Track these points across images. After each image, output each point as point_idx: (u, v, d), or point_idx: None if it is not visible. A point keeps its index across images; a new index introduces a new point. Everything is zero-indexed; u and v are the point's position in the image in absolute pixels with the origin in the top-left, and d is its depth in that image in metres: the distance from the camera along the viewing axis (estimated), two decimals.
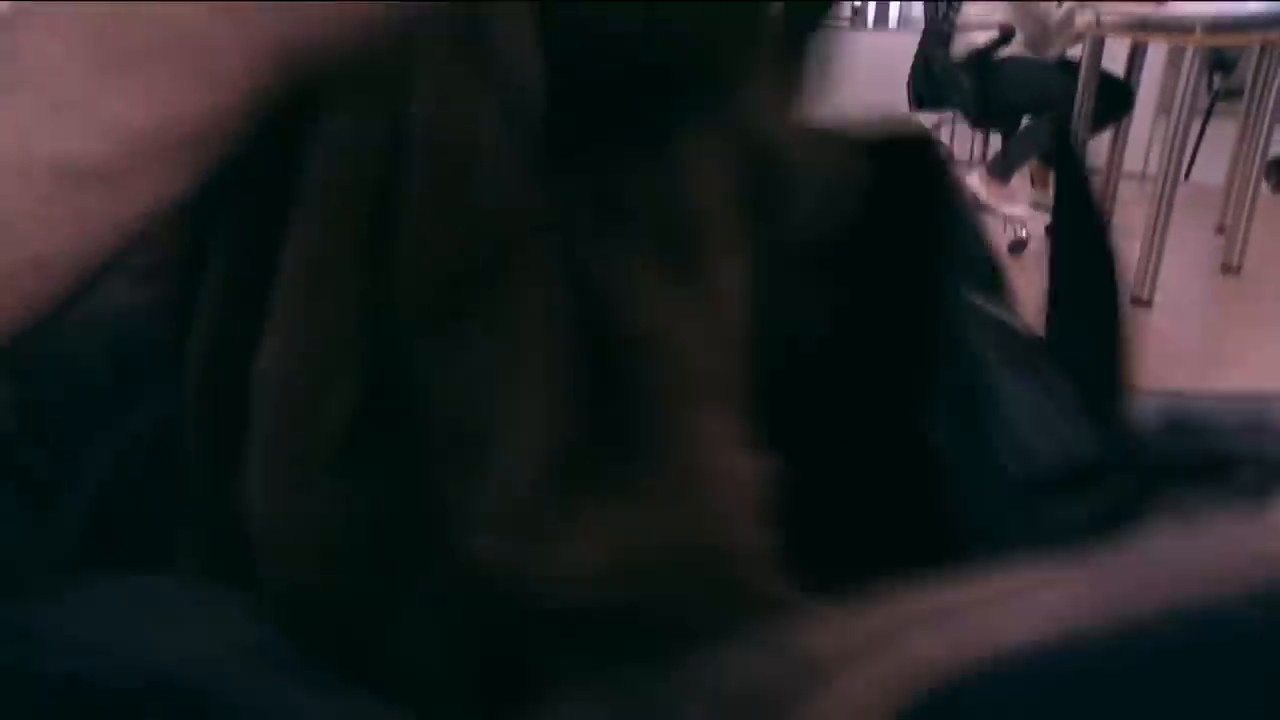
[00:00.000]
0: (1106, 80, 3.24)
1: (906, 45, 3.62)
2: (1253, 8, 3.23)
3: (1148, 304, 2.99)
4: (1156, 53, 3.87)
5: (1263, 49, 3.26)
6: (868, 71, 4.47)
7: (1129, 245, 3.50)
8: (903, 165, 0.33)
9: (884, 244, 0.32)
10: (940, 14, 3.53)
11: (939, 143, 0.34)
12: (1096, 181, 3.58)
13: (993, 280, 0.36)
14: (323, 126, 0.26)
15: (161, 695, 0.22)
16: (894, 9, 6.14)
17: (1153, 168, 3.78)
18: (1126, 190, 3.78)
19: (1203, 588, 0.21)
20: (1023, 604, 0.23)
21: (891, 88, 3.53)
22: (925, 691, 0.20)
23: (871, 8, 7.60)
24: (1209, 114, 4.10)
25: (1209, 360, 2.79)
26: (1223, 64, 4.31)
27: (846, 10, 7.51)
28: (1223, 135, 3.74)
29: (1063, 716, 0.20)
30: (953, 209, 0.33)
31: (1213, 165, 3.80)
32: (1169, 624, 0.20)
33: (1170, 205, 2.89)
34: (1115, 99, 3.33)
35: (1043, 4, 3.16)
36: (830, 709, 0.21)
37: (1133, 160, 3.83)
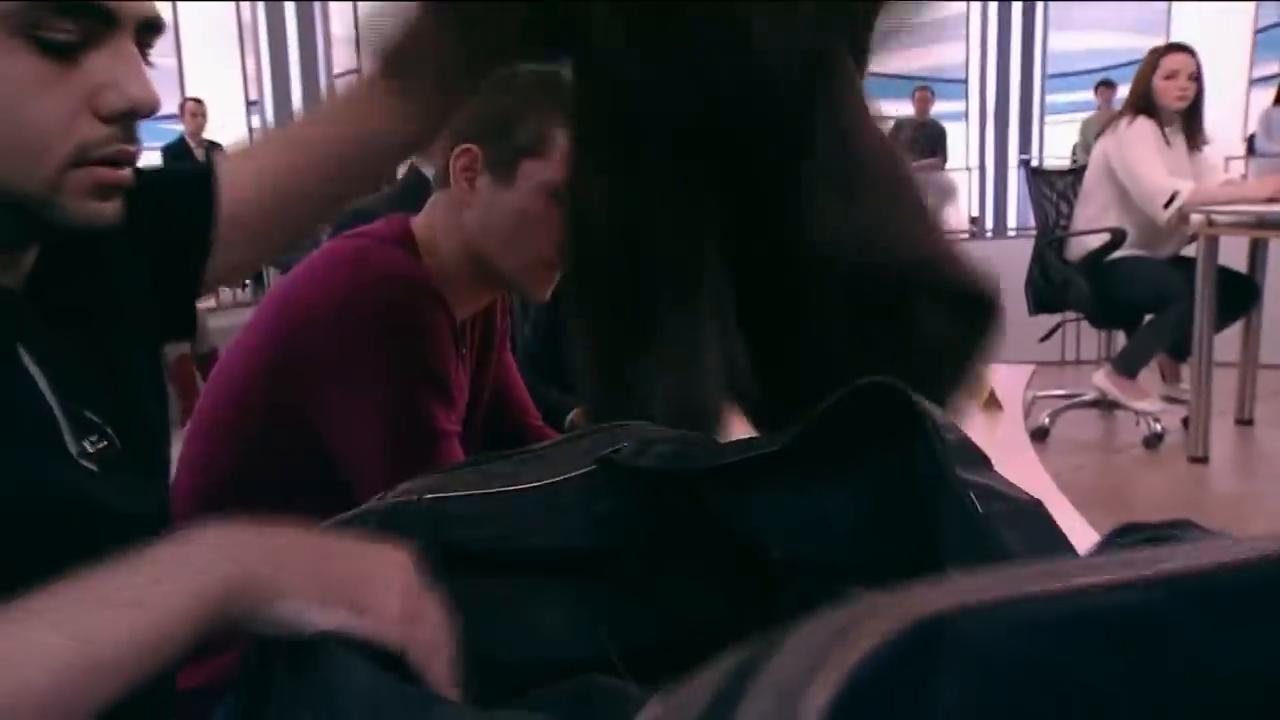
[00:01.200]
0: (1228, 276, 3.24)
1: (1024, 251, 3.71)
2: None
3: None
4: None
5: None
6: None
7: (1277, 438, 3.38)
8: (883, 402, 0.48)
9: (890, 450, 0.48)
10: (1052, 220, 3.65)
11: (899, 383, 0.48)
12: (1231, 375, 3.52)
13: (979, 459, 0.49)
14: None
15: None
16: (1012, 216, 6.29)
17: None
18: (1267, 383, 3.69)
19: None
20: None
21: (1009, 293, 3.61)
22: (911, 624, 0.20)
23: (990, 217, 7.82)
24: None
25: None
26: None
27: (966, 221, 7.76)
28: None
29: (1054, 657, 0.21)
30: (926, 419, 0.47)
31: None
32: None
33: None
34: (1239, 294, 3.32)
35: (1153, 206, 3.22)
36: None
37: (1271, 352, 3.76)
